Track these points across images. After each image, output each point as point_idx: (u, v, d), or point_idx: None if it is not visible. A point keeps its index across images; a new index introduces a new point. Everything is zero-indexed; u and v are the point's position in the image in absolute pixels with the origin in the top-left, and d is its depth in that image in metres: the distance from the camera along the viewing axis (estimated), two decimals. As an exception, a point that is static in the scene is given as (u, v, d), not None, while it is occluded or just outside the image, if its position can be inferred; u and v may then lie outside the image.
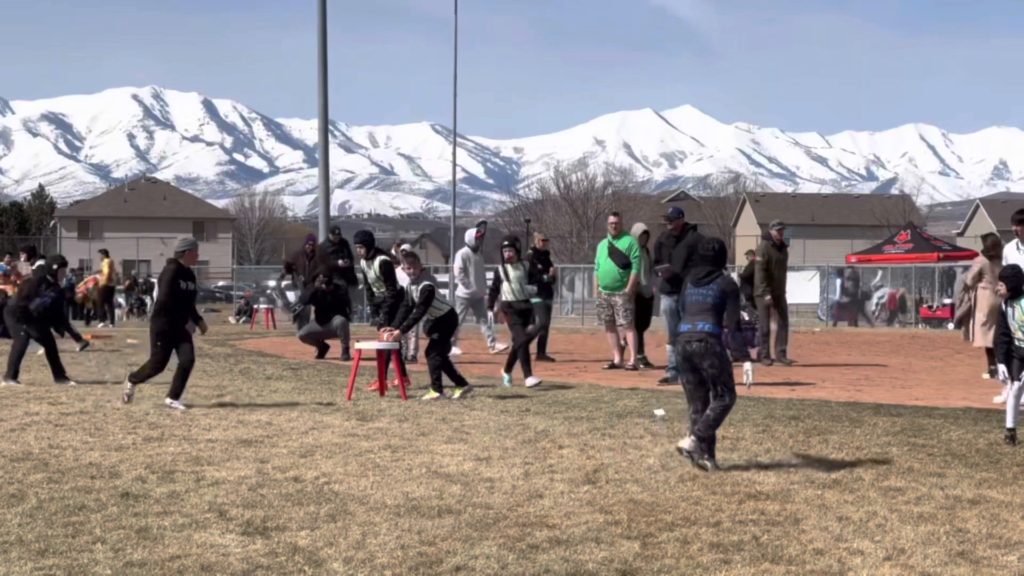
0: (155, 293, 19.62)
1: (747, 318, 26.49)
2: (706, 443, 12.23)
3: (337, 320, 27.57)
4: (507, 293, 21.14)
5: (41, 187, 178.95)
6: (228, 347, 31.92)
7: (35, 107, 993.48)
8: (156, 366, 17.89)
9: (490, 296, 21.88)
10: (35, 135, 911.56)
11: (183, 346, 17.78)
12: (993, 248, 22.11)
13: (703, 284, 12.66)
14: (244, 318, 53.31)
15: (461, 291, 27.61)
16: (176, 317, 17.75)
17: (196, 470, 12.22)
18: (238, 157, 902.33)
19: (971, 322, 23.58)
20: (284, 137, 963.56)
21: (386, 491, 11.14)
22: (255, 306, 52.85)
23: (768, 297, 26.35)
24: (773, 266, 26.73)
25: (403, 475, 11.88)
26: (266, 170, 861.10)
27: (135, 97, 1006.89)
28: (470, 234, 28.03)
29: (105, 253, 49.59)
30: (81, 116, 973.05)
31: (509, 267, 21.17)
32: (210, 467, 12.41)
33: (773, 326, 26.39)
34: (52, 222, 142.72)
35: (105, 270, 47.40)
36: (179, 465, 12.52)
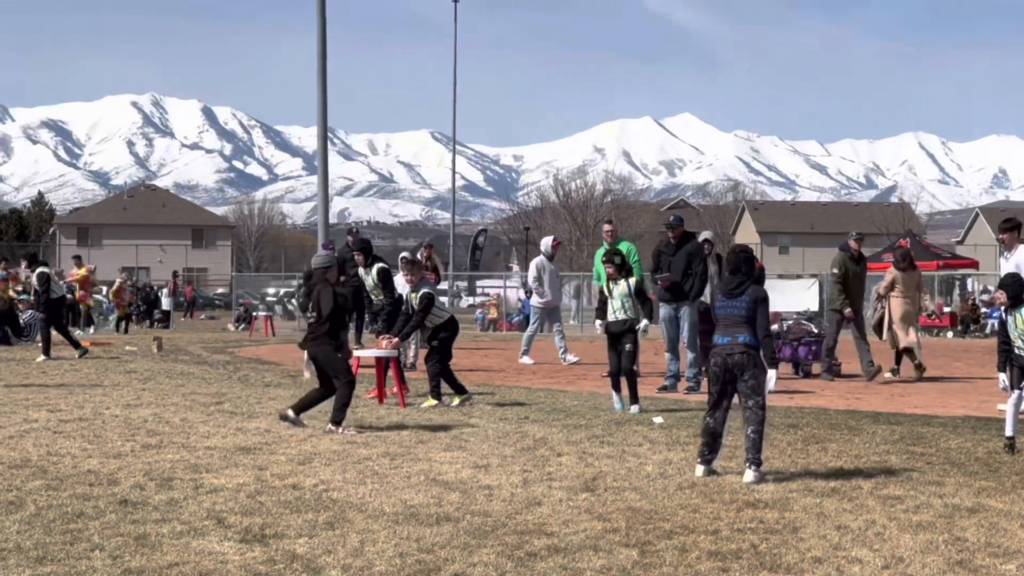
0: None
1: (815, 330, 25.73)
2: (758, 462, 12.31)
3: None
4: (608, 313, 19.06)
5: (40, 194, 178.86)
6: (227, 354, 31.92)
7: (35, 114, 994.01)
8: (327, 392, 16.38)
9: (597, 315, 19.90)
10: (35, 142, 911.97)
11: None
12: (903, 260, 25.05)
13: (735, 296, 12.61)
14: (243, 325, 53.31)
15: (536, 300, 27.01)
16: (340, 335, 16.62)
17: (195, 477, 12.22)
18: (237, 164, 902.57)
19: (883, 327, 25.24)
20: (283, 144, 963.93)
21: (384, 499, 11.14)
22: (254, 313, 52.83)
23: (848, 310, 24.91)
24: (851, 279, 25.25)
25: (402, 482, 11.88)
26: (265, 177, 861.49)
27: (134, 104, 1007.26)
28: (546, 242, 27.13)
29: (79, 260, 49.27)
30: (81, 123, 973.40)
31: (612, 284, 18.92)
32: (208, 474, 12.40)
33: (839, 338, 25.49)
34: (51, 229, 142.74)
35: (81, 275, 46.97)
36: (178, 472, 12.51)
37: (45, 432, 15.42)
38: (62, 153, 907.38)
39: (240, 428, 15.97)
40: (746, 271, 12.83)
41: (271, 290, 74.79)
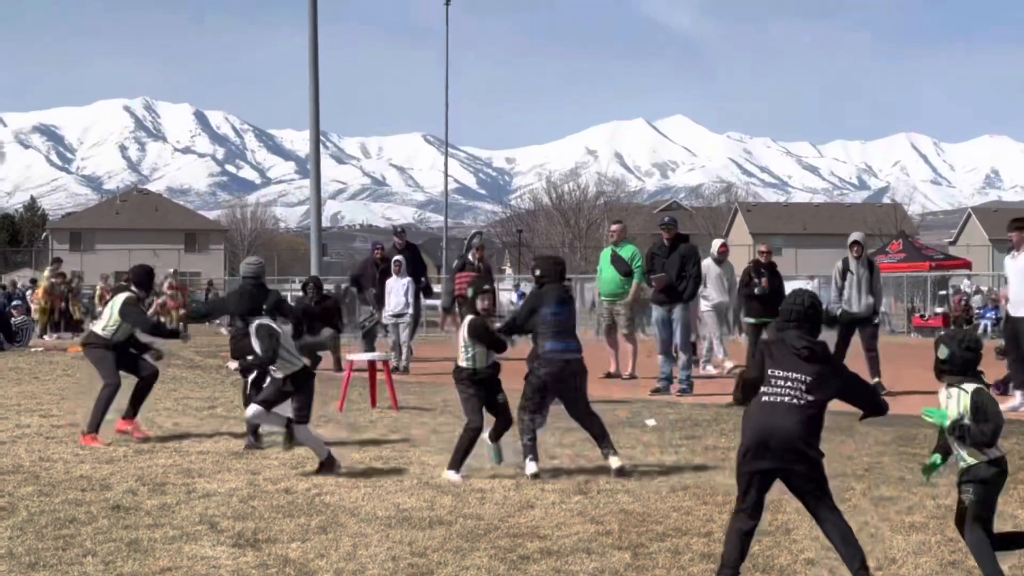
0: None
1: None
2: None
3: (327, 332, 27.50)
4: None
5: (33, 199, 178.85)
6: (220, 359, 31.85)
7: (27, 119, 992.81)
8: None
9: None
10: (27, 147, 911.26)
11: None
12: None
13: (567, 302, 13.02)
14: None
15: (704, 304, 26.46)
16: None
17: (187, 482, 12.21)
18: (230, 168, 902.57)
19: None
20: (276, 148, 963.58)
21: (377, 502, 11.14)
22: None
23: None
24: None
25: (394, 486, 11.88)
26: (258, 181, 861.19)
27: (127, 108, 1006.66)
28: (715, 246, 26.52)
29: (56, 262, 48.51)
30: (73, 128, 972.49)
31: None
32: (201, 479, 12.40)
33: None
34: (44, 234, 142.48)
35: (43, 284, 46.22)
36: (170, 477, 12.51)
37: (37, 438, 15.41)
38: (54, 158, 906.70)
39: (232, 432, 15.95)
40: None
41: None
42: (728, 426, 16.19)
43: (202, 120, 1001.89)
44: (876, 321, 22.02)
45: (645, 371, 24.42)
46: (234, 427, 16.51)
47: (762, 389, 8.42)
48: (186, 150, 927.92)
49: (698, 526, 10.13)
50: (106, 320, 15.61)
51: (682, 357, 21.36)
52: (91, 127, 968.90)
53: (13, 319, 36.56)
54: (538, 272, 13.24)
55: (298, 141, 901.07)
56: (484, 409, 12.64)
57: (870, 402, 9.09)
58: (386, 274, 27.40)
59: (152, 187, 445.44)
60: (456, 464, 12.34)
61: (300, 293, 32.31)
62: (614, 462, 12.60)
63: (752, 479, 8.31)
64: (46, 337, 40.44)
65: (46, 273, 44.87)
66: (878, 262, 29.60)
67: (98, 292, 49.27)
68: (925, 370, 22.28)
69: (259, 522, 10.32)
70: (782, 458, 8.33)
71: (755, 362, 8.58)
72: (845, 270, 21.35)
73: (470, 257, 28.62)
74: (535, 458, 12.53)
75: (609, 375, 24.88)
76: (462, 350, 12.56)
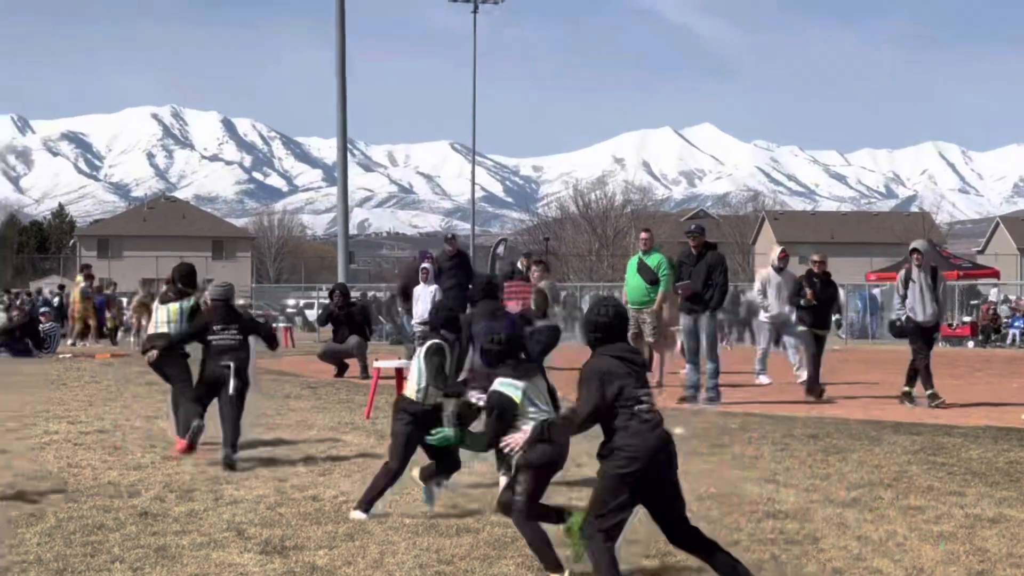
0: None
1: None
2: None
3: (354, 339, 27.51)
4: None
5: (61, 206, 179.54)
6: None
7: (55, 126, 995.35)
8: None
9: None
10: (55, 154, 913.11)
11: None
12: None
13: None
14: (263, 337, 53.19)
15: (763, 315, 26.19)
16: None
17: (215, 489, 12.23)
18: (257, 176, 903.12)
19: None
20: (303, 156, 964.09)
21: (405, 510, 11.13)
22: (273, 325, 52.83)
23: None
24: None
25: (422, 494, 11.87)
26: (285, 189, 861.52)
27: (154, 116, 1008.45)
28: (774, 253, 26.29)
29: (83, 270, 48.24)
30: (101, 135, 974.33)
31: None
32: (228, 486, 12.42)
33: None
34: (72, 241, 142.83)
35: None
36: (198, 484, 12.52)
37: (65, 444, 15.44)
38: (82, 165, 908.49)
39: (260, 440, 15.97)
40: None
41: (291, 301, 74.82)
42: (755, 434, 16.16)
43: (229, 128, 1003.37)
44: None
45: (673, 380, 24.38)
46: (263, 434, 16.53)
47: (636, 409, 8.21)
48: (213, 157, 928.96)
49: (725, 535, 10.09)
50: (176, 326, 15.40)
51: (709, 365, 21.30)
52: (119, 134, 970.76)
53: (41, 325, 36.67)
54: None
55: (325, 149, 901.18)
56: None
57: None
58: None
59: (180, 194, 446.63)
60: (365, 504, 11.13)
61: (327, 300, 32.18)
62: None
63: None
64: (79, 344, 40.48)
65: (78, 279, 44.85)
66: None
67: (137, 300, 49.19)
68: (955, 379, 22.20)
69: (286, 529, 10.34)
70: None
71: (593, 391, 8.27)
72: (908, 278, 21.08)
73: (519, 265, 28.57)
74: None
75: None
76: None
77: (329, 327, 29.08)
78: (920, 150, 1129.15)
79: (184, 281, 15.93)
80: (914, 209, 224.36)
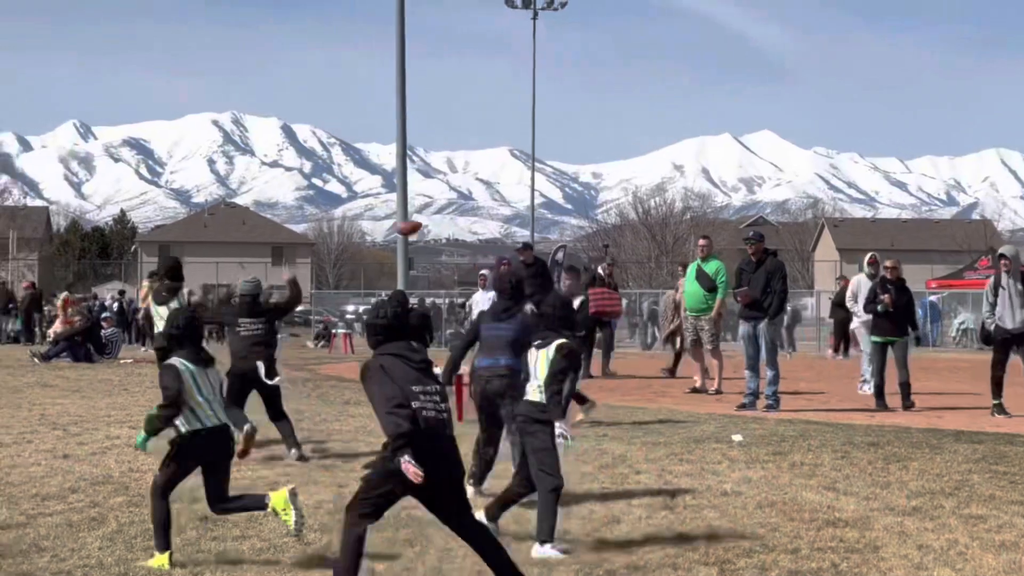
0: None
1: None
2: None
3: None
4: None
5: (122, 212, 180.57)
6: (306, 371, 32.04)
7: (117, 132, 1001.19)
8: None
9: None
10: (117, 160, 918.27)
11: None
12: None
13: (503, 319, 12.45)
14: (323, 342, 53.49)
15: (855, 321, 26.00)
16: None
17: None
18: (317, 182, 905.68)
19: (678, 339, 27.93)
20: (362, 162, 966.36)
21: (463, 516, 11.13)
22: (333, 331, 53.03)
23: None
24: None
25: (481, 500, 11.88)
26: (345, 195, 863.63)
27: (215, 122, 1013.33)
28: (867, 258, 26.05)
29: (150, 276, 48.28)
30: (162, 142, 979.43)
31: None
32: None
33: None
34: (133, 247, 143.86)
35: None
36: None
37: (127, 449, 15.53)
38: (144, 171, 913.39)
39: (320, 445, 16.03)
40: (514, 296, 12.60)
41: (350, 307, 74.88)
42: (815, 442, 16.09)
43: (289, 134, 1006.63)
44: None
45: (732, 387, 24.33)
46: (324, 439, 16.58)
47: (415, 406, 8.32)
48: (273, 164, 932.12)
49: (785, 543, 10.07)
50: None
51: (768, 372, 21.23)
52: (180, 141, 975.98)
53: (103, 331, 36.93)
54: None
55: (384, 155, 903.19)
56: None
57: None
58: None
59: (240, 200, 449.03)
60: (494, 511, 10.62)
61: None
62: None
63: None
64: (142, 349, 40.73)
65: (146, 284, 45.06)
66: (967, 278, 28.87)
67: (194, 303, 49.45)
68: (1015, 387, 21.98)
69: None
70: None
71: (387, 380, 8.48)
72: (997, 284, 20.53)
73: (600, 271, 28.66)
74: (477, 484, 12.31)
75: (695, 390, 24.83)
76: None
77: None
78: (982, 157, 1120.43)
79: (171, 275, 16.36)
80: (975, 217, 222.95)
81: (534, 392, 10.24)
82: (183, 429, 9.72)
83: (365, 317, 8.57)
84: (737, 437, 16.61)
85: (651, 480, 13.21)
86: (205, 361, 9.98)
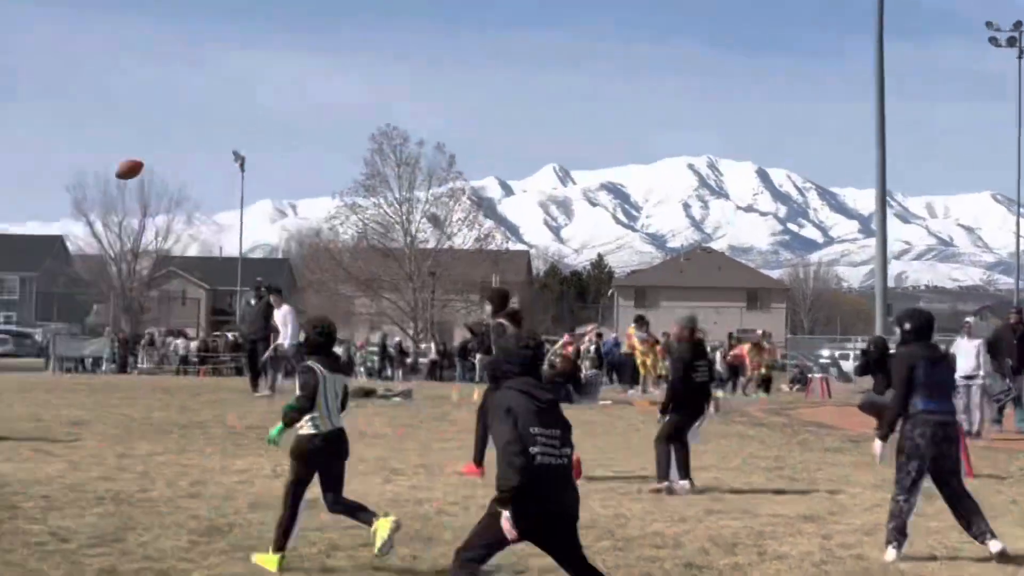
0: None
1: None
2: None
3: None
4: None
5: (600, 256, 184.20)
6: (784, 416, 31.75)
7: (595, 177, 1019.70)
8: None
9: None
10: (594, 205, 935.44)
11: None
12: None
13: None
14: (799, 386, 53.13)
15: None
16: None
17: (758, 544, 12.14)
18: (792, 227, 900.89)
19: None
20: (839, 207, 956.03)
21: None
22: (809, 375, 52.64)
23: None
24: None
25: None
26: (820, 240, 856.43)
27: (690, 167, 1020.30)
28: None
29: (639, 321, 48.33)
30: (638, 186, 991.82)
31: None
32: (772, 541, 12.31)
33: None
34: (610, 291, 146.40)
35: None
36: (741, 538, 12.47)
37: (612, 493, 15.62)
38: (620, 215, 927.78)
39: (804, 494, 15.81)
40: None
41: (825, 352, 74.29)
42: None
43: (764, 178, 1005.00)
44: None
45: None
46: (805, 488, 16.36)
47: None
48: (748, 208, 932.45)
49: None
50: None
51: None
52: (655, 185, 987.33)
53: (583, 372, 37.54)
54: (907, 327, 12.20)
55: (861, 200, 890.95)
56: None
57: None
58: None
59: (714, 245, 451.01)
60: None
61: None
62: (994, 545, 11.48)
63: None
64: (651, 391, 40.98)
65: (631, 329, 45.63)
66: None
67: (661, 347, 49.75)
68: None
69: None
70: None
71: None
72: None
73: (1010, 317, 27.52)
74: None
75: None
76: None
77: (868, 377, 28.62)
78: None
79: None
80: None
81: None
82: (308, 431, 10.53)
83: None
84: None
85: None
86: (336, 369, 10.86)
